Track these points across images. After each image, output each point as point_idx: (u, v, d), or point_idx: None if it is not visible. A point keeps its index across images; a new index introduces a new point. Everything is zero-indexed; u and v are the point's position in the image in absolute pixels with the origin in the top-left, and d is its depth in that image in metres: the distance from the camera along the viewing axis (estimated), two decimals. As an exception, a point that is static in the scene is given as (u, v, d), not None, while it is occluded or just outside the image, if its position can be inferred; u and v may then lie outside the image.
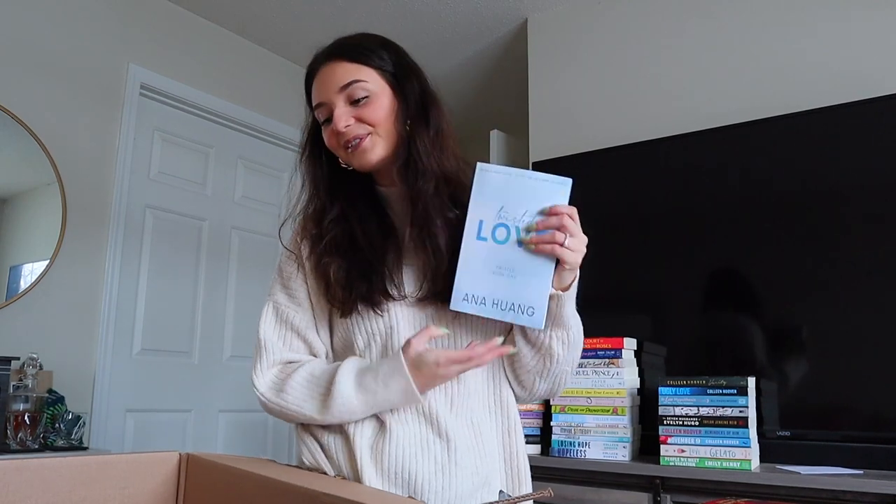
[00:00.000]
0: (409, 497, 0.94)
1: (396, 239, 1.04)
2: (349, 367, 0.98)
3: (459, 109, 3.99)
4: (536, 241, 0.92)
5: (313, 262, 1.06)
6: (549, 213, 0.93)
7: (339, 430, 1.01)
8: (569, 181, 0.93)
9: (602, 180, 2.51)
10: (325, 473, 1.00)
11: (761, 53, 2.42)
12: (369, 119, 1.00)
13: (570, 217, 0.92)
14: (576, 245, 0.93)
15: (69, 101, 2.61)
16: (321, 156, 1.10)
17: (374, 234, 1.04)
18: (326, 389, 0.98)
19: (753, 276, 2.18)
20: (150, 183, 2.93)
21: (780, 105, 2.26)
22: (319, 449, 1.02)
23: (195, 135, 3.13)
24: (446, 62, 3.43)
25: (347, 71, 1.01)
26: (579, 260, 0.95)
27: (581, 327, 1.03)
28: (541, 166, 2.67)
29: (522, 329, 1.00)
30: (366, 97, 1.00)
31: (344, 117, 1.00)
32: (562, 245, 0.91)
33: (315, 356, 1.06)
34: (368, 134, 1.01)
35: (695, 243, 2.28)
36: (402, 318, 1.02)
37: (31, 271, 2.45)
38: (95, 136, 2.68)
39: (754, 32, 2.44)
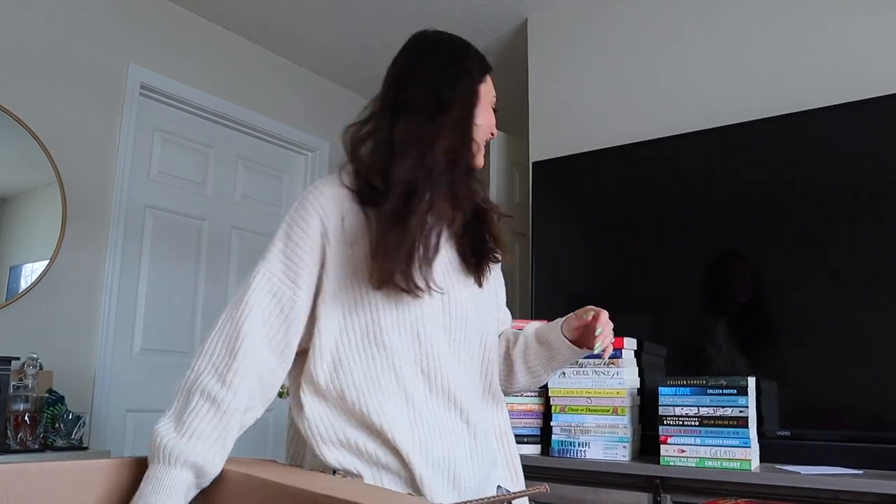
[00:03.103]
0: (415, 496, 0.94)
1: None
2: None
3: (459, 109, 3.97)
4: (608, 344, 1.14)
5: (357, 224, 1.04)
6: (600, 321, 1.12)
7: (376, 430, 0.99)
8: None
9: (602, 180, 2.51)
10: (359, 476, 0.99)
11: (761, 53, 2.41)
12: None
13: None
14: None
15: (69, 101, 2.60)
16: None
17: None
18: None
19: (754, 276, 2.18)
20: (150, 183, 2.93)
21: (781, 105, 2.26)
22: (350, 452, 1.00)
23: (195, 135, 3.13)
24: (446, 62, 3.42)
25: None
26: None
27: None
28: (541, 166, 2.67)
29: (525, 360, 1.22)
30: None
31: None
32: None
33: (288, 344, 1.01)
34: None
35: (695, 243, 2.27)
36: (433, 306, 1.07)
37: (31, 271, 2.45)
38: (95, 136, 2.68)
39: (754, 32, 2.44)
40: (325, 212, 1.04)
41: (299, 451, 1.08)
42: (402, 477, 0.99)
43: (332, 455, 0.99)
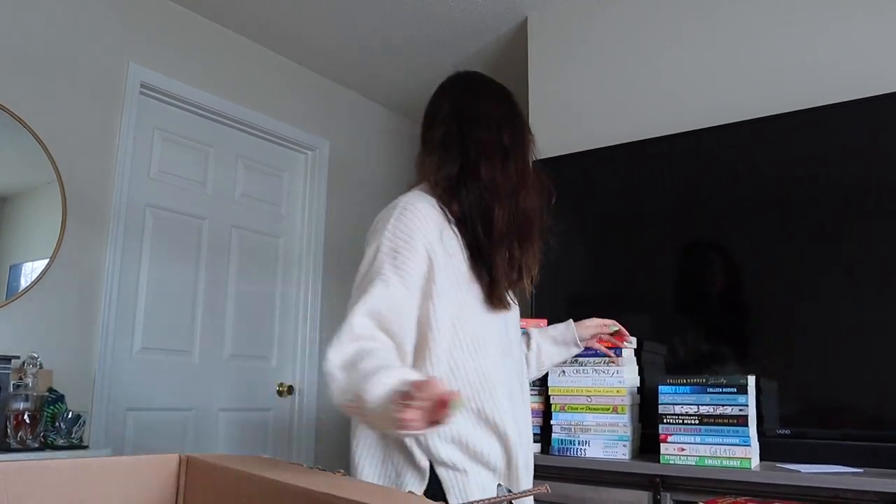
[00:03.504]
0: (415, 494, 0.94)
1: None
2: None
3: (459, 108, 3.97)
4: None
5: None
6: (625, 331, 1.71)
7: (491, 425, 1.14)
8: None
9: (602, 178, 2.51)
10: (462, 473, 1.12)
11: (761, 53, 2.41)
12: None
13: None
14: None
15: (69, 100, 2.60)
16: None
17: None
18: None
19: (754, 275, 2.18)
20: (150, 182, 2.93)
21: (781, 105, 2.26)
22: (459, 448, 1.11)
23: (195, 133, 3.13)
24: (445, 61, 3.42)
25: None
26: None
27: None
28: (540, 165, 2.66)
29: (538, 358, 1.52)
30: None
31: None
32: None
33: (401, 344, 1.10)
34: None
35: (695, 242, 2.27)
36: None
37: (31, 270, 2.45)
38: (95, 135, 2.68)
39: (754, 32, 2.44)
40: (425, 224, 1.14)
41: (379, 441, 1.14)
42: (499, 471, 1.14)
43: (444, 450, 1.10)
